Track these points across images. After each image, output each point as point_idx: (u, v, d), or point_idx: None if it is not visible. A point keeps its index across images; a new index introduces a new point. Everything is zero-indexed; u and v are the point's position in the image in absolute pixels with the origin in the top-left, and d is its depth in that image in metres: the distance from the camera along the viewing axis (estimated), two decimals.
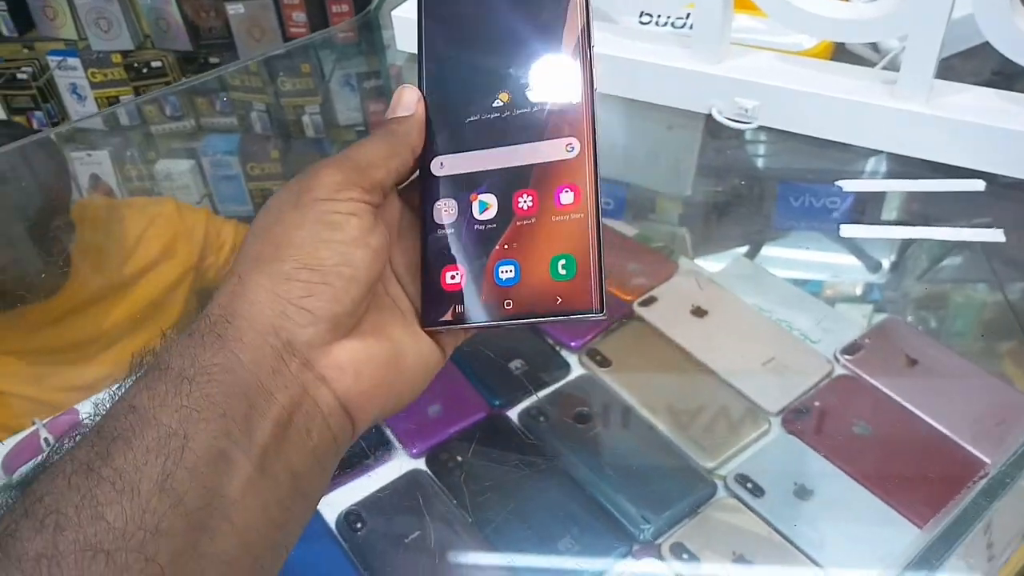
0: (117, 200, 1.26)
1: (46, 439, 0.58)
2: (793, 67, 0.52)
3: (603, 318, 0.31)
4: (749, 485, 0.49)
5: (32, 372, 0.85)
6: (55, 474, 0.25)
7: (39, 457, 0.56)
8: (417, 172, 0.35)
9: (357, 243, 0.30)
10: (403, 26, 0.67)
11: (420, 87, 0.35)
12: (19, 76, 1.73)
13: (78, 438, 0.26)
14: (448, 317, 0.33)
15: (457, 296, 0.33)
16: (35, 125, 1.77)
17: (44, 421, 0.59)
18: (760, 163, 0.70)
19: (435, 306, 0.33)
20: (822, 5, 0.48)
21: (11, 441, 0.58)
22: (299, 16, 1.62)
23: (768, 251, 0.69)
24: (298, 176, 0.31)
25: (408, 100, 0.34)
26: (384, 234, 0.31)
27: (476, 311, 0.33)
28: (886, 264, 0.67)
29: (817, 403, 0.53)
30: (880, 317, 0.61)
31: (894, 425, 0.52)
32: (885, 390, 0.53)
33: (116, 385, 0.28)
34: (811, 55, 0.56)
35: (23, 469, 0.56)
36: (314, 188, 0.30)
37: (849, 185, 0.59)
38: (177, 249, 0.96)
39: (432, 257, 0.34)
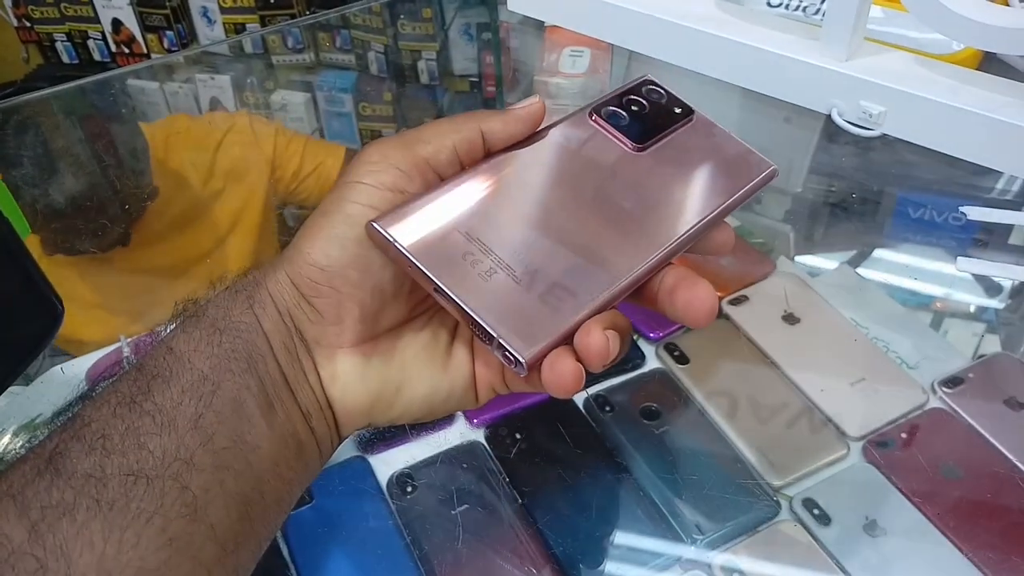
0: (197, 118, 1.27)
1: (127, 357, 0.60)
2: (931, 72, 0.47)
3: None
4: (816, 511, 0.46)
5: (124, 294, 0.88)
6: (101, 404, 0.27)
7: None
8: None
9: (369, 242, 0.29)
10: None
11: None
12: None
13: (121, 373, 0.28)
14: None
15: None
16: (166, 44, 1.82)
17: (128, 339, 0.61)
18: (881, 169, 0.65)
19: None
20: (972, 7, 0.43)
21: (98, 354, 0.60)
22: None
23: (875, 263, 0.64)
24: None
25: (526, 103, 0.32)
26: None
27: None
28: (1007, 292, 0.62)
29: (904, 435, 0.50)
30: (990, 351, 0.56)
31: (987, 471, 0.48)
32: (983, 432, 0.49)
33: (158, 328, 0.30)
34: (955, 60, 0.51)
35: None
36: (352, 168, 0.29)
37: (975, 213, 0.54)
38: (250, 162, 0.97)
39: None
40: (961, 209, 0.55)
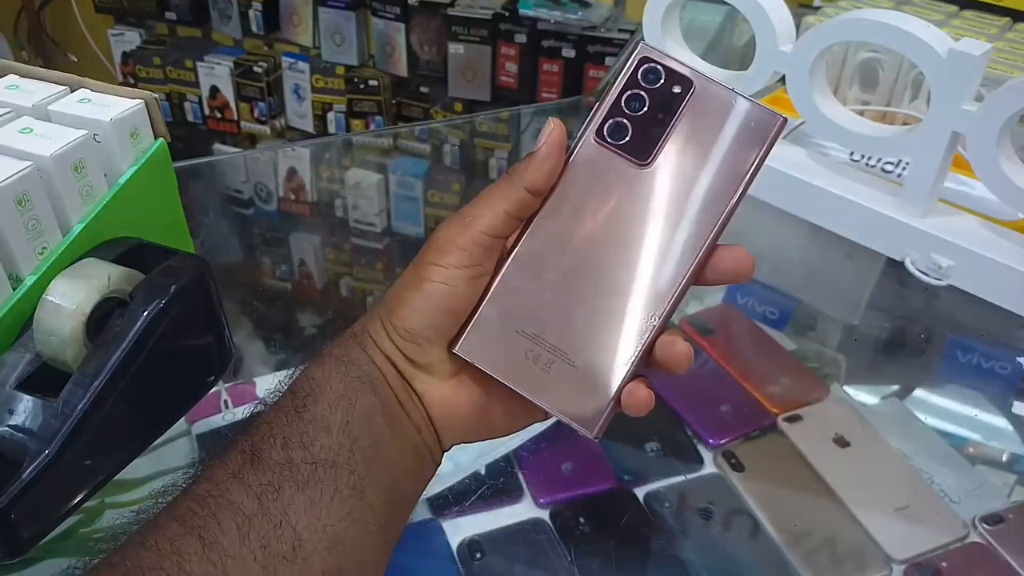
0: None
1: (225, 400, 0.65)
2: (996, 236, 0.53)
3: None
4: None
5: None
6: (272, 416, 0.34)
7: (219, 415, 0.64)
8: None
9: (442, 311, 0.35)
10: None
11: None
12: (255, 69, 1.92)
13: (276, 396, 0.35)
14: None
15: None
16: (256, 114, 1.95)
17: (227, 385, 0.66)
18: (936, 310, 0.70)
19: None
20: None
21: None
22: (511, 67, 1.72)
23: (923, 399, 0.68)
24: None
25: (544, 134, 0.35)
26: (467, 300, 0.35)
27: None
28: None
29: (945, 564, 0.53)
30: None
31: None
32: (1021, 572, 0.52)
33: (294, 368, 0.37)
34: (1019, 227, 0.57)
35: (201, 423, 0.63)
36: (426, 249, 0.35)
37: None
38: None
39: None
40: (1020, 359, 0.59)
